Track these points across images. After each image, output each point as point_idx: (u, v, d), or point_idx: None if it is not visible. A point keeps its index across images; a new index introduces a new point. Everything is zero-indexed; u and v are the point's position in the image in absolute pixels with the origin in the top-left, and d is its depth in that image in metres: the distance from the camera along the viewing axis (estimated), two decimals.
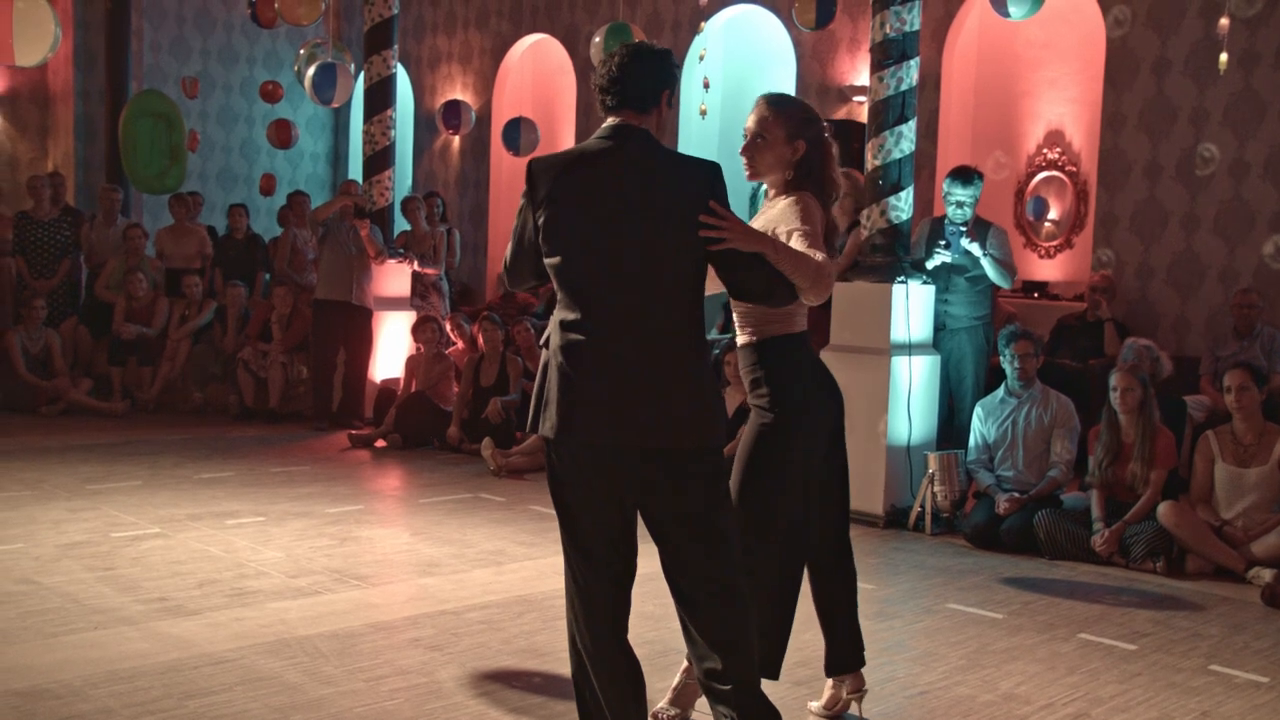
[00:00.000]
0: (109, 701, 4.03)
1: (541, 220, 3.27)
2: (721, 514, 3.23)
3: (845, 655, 4.16)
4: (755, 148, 3.90)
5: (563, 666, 4.41)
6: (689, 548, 3.21)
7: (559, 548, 5.86)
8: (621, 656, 3.32)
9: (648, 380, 3.17)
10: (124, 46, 13.85)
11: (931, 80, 10.43)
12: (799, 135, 3.87)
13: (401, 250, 10.80)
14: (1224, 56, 7.52)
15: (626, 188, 3.21)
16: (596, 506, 3.28)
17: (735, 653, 3.21)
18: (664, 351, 3.19)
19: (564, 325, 3.22)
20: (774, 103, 3.92)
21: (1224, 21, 7.56)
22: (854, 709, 4.17)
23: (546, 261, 3.27)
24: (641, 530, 3.28)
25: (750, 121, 3.91)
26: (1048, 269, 10.50)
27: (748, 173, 3.96)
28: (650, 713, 3.80)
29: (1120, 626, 5.33)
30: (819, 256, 3.45)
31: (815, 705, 4.22)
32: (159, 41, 15.37)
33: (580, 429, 3.19)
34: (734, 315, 3.95)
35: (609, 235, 3.19)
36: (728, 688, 3.20)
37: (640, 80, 3.29)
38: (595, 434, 3.19)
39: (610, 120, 3.32)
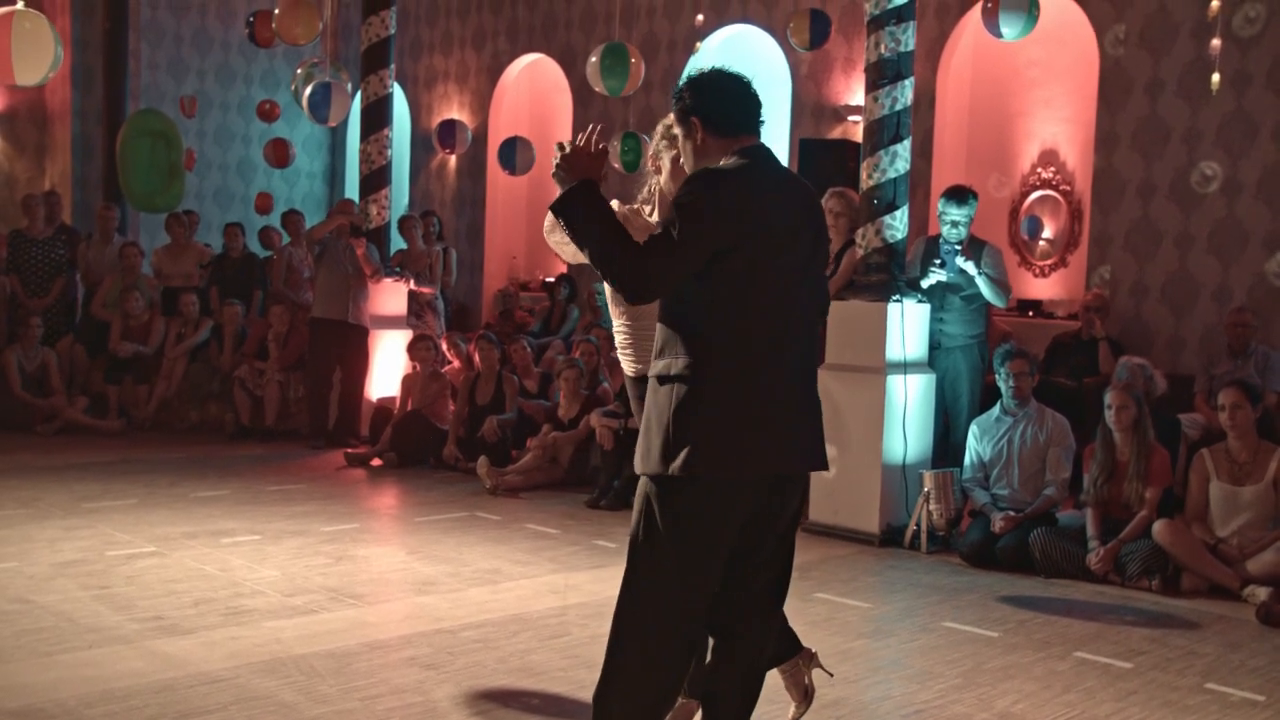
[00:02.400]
0: None
1: (727, 242, 3.18)
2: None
3: (781, 649, 4.00)
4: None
5: (557, 685, 4.41)
6: (775, 558, 3.41)
7: (555, 566, 5.83)
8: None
9: (806, 404, 3.35)
10: (122, 66, 13.89)
11: (926, 100, 10.47)
12: None
13: (398, 269, 10.82)
14: (1216, 77, 7.57)
15: (791, 214, 3.33)
16: (731, 537, 3.30)
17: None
18: (811, 374, 3.38)
19: (726, 353, 3.21)
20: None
21: (1216, 42, 7.60)
22: (816, 676, 4.06)
23: (716, 286, 3.19)
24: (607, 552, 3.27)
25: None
26: (1042, 288, 10.52)
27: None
28: None
29: (1116, 645, 5.33)
30: None
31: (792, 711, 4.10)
32: (157, 60, 15.41)
33: (757, 460, 3.23)
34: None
35: (785, 264, 3.27)
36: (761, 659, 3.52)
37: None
38: (774, 463, 3.27)
39: (749, 142, 3.39)
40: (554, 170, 3.36)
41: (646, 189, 4.14)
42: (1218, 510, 6.45)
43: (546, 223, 3.80)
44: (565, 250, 3.83)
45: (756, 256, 3.22)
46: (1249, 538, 6.31)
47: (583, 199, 3.27)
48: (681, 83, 3.50)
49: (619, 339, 4.14)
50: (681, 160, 3.58)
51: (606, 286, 3.74)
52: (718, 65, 3.52)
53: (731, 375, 3.21)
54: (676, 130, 3.54)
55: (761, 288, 3.23)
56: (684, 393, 3.21)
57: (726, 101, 3.42)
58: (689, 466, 3.17)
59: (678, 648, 3.30)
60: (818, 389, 3.43)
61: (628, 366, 4.13)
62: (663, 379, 3.27)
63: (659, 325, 3.35)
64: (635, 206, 4.09)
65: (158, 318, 11.16)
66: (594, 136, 3.47)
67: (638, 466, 3.32)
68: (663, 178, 4.04)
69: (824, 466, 3.41)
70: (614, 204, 4.00)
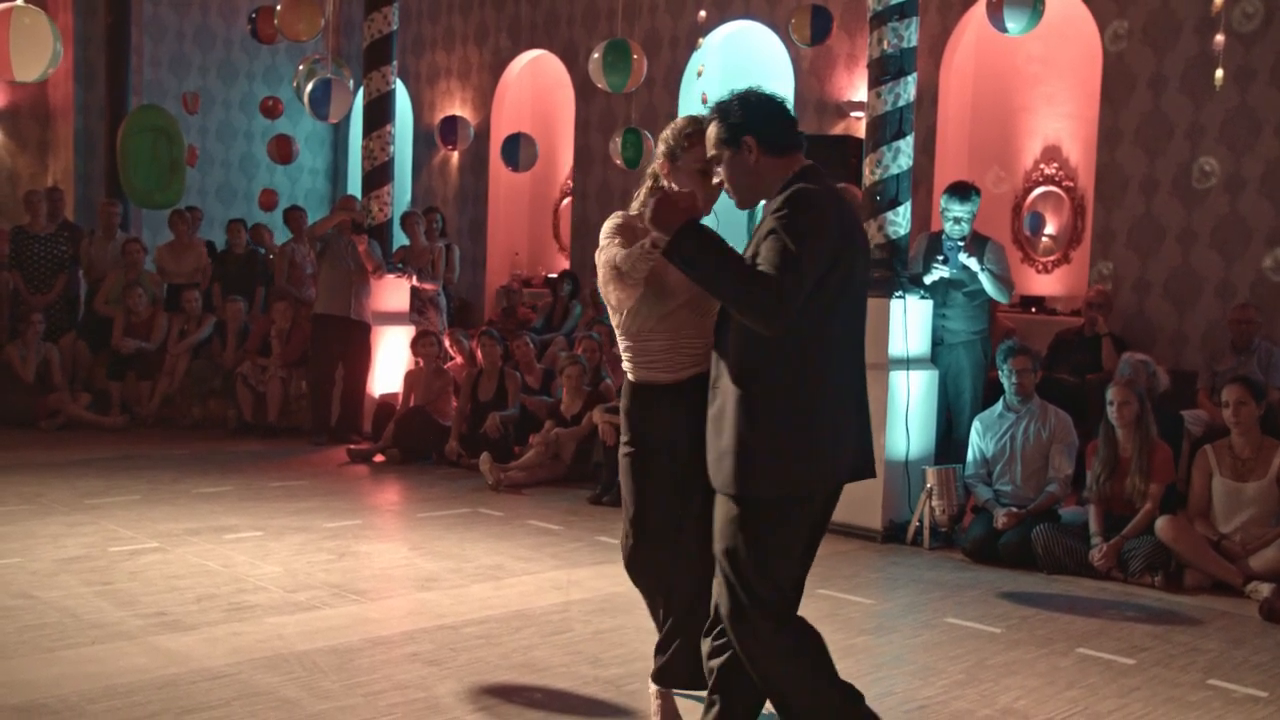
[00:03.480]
0: (106, 717, 4.02)
1: (833, 260, 3.29)
2: None
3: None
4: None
5: (559, 681, 4.41)
6: (809, 556, 3.54)
7: (557, 562, 5.86)
8: None
9: (867, 413, 3.57)
10: (124, 62, 13.88)
11: (929, 96, 10.46)
12: None
13: (400, 265, 10.82)
14: (1219, 72, 7.55)
15: (860, 229, 3.52)
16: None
17: None
18: (865, 382, 3.57)
19: (818, 369, 3.32)
20: None
21: (1219, 38, 7.58)
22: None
23: (810, 304, 3.26)
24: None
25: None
26: (1045, 284, 10.52)
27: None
28: None
29: (1119, 641, 5.33)
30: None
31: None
32: (159, 57, 15.42)
33: (841, 471, 3.42)
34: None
35: (863, 278, 3.48)
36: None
37: None
38: (852, 472, 3.46)
39: (804, 161, 3.47)
40: (648, 217, 3.34)
41: (645, 190, 4.06)
42: (1221, 506, 6.45)
43: (603, 275, 3.74)
44: (625, 296, 3.76)
45: (849, 273, 3.34)
46: (1252, 534, 6.31)
47: (696, 242, 3.28)
48: (728, 101, 3.47)
49: (636, 350, 4.02)
50: (719, 179, 3.55)
51: (615, 298, 3.79)
52: (752, 86, 3.53)
53: (820, 392, 3.34)
54: (715, 150, 3.48)
55: (847, 303, 3.39)
56: (789, 410, 3.31)
57: (780, 120, 3.46)
58: (786, 485, 3.32)
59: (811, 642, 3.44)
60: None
61: (653, 375, 4.00)
62: (746, 397, 3.32)
63: (728, 343, 3.38)
64: (629, 219, 3.99)
65: (160, 314, 11.17)
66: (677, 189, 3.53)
67: (726, 487, 3.37)
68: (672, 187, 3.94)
69: (874, 473, 3.61)
70: (618, 215, 3.99)
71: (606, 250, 3.82)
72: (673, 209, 3.32)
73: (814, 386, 3.33)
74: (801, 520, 3.40)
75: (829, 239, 3.26)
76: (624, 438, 4.07)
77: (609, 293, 3.76)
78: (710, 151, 3.54)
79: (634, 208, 4.05)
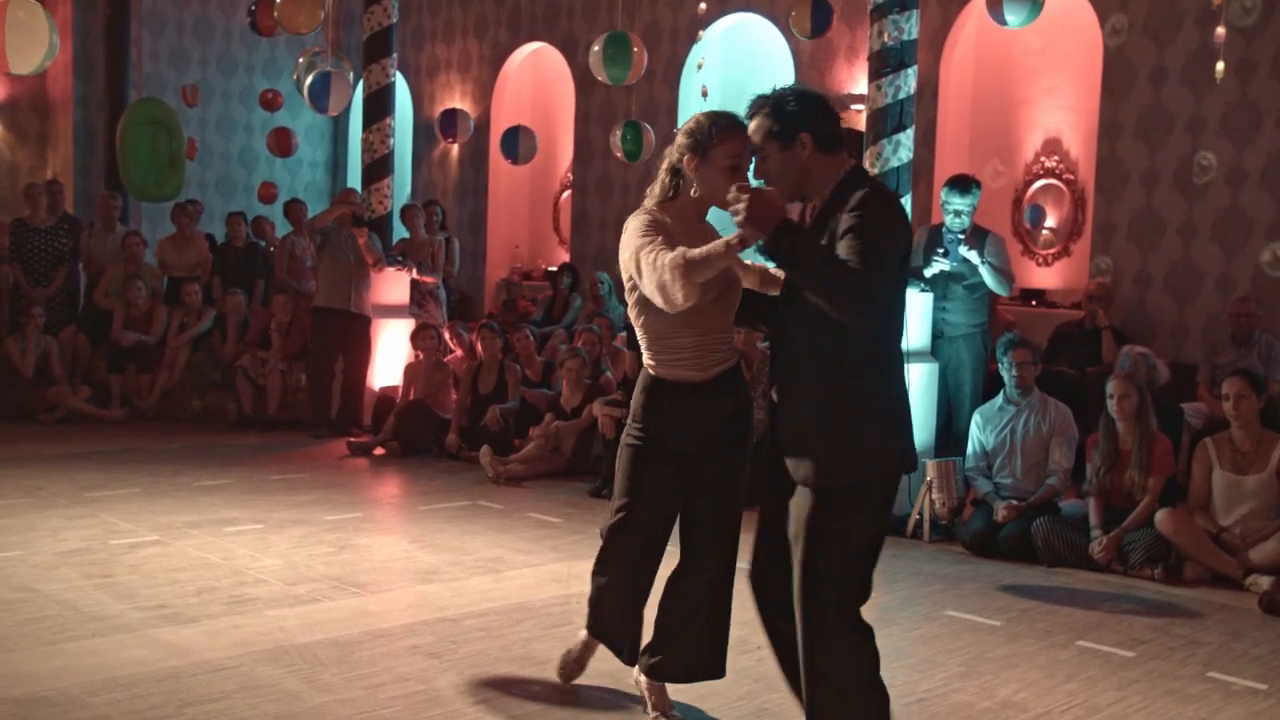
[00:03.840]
0: (107, 709, 4.03)
1: (904, 257, 3.41)
2: None
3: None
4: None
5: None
6: None
7: (557, 555, 5.89)
8: None
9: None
10: (123, 54, 13.85)
11: (929, 88, 10.45)
12: None
13: (400, 258, 10.81)
14: (1220, 65, 7.54)
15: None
16: None
17: None
18: None
19: (887, 359, 3.42)
20: None
21: (1220, 31, 7.57)
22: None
23: (889, 295, 3.36)
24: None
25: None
26: (1045, 277, 10.51)
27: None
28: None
29: (1118, 634, 5.33)
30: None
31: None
32: (158, 49, 15.39)
33: (911, 458, 3.51)
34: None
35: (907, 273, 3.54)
36: None
37: None
38: (913, 461, 3.53)
39: (852, 160, 3.51)
40: (742, 216, 3.28)
41: (660, 185, 3.95)
42: (1220, 499, 6.45)
43: (655, 275, 3.61)
44: (693, 294, 3.63)
45: (905, 268, 3.43)
46: (1252, 527, 6.31)
47: (795, 239, 3.25)
48: (782, 95, 3.48)
49: (663, 347, 3.96)
50: (763, 174, 3.54)
51: (641, 296, 3.77)
52: (798, 84, 3.65)
53: (889, 380, 3.43)
54: (763, 143, 3.47)
55: (901, 296, 3.49)
56: (866, 401, 3.38)
57: (833, 119, 3.50)
58: (872, 472, 3.39)
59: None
60: None
61: (679, 372, 3.95)
62: (824, 389, 3.37)
63: (797, 340, 3.42)
64: (658, 216, 3.90)
65: (160, 307, 11.17)
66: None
67: (812, 480, 3.37)
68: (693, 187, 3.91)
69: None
70: (644, 213, 3.91)
71: (651, 250, 3.68)
72: (770, 207, 3.26)
73: (888, 376, 3.43)
74: (879, 509, 3.44)
75: (904, 237, 3.39)
76: (633, 429, 4.02)
77: (674, 291, 3.57)
78: (754, 144, 3.53)
79: (649, 204, 3.96)
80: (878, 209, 3.29)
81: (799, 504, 3.42)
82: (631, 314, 3.98)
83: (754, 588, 3.68)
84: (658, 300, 3.68)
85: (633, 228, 3.85)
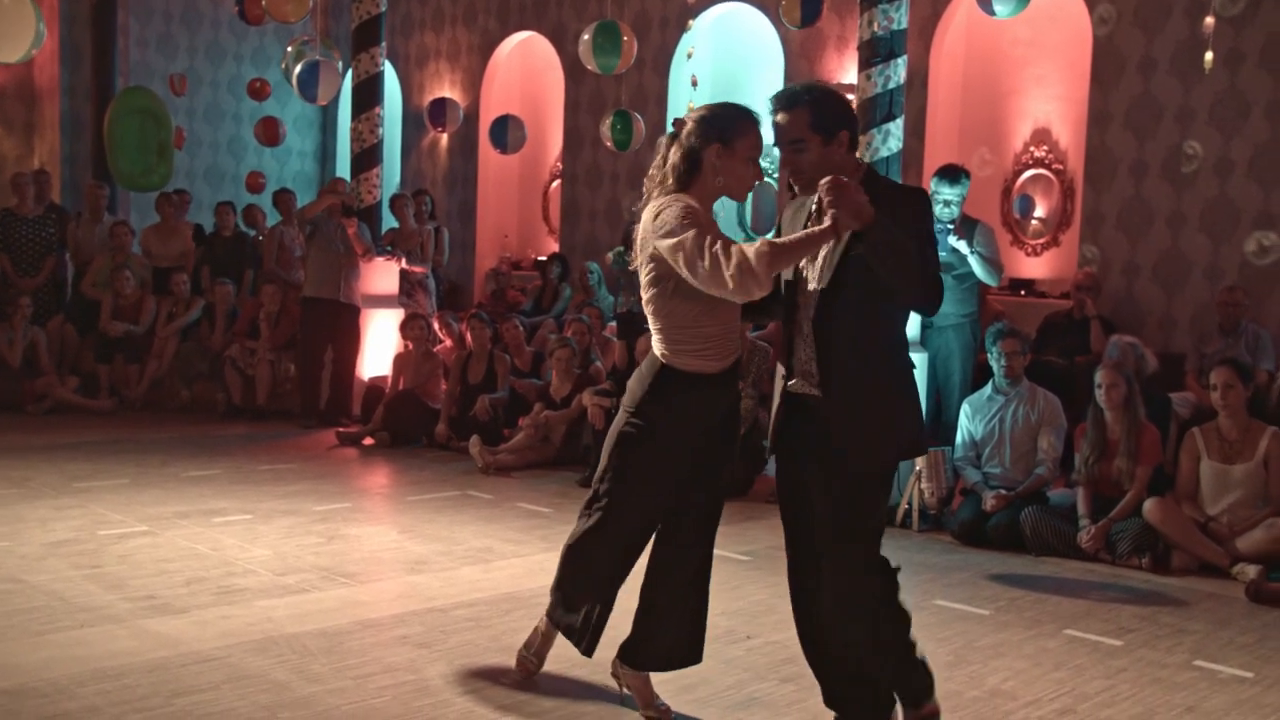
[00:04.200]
0: (95, 700, 4.02)
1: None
2: None
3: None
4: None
5: (548, 663, 4.41)
6: None
7: (547, 545, 5.89)
8: None
9: None
10: (110, 43, 13.79)
11: (919, 78, 10.44)
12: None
13: (389, 248, 10.79)
14: (1209, 55, 7.55)
15: None
16: None
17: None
18: None
19: (906, 345, 3.84)
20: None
21: (1209, 20, 7.58)
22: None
23: None
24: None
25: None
26: (1034, 266, 10.52)
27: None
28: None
29: (1106, 622, 5.35)
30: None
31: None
32: (146, 38, 15.33)
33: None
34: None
35: None
36: None
37: None
38: None
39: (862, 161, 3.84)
40: (828, 205, 3.41)
41: (673, 175, 3.88)
42: (1208, 488, 6.47)
43: (720, 265, 3.58)
44: (769, 283, 3.63)
45: None
46: (1239, 516, 6.34)
47: (884, 229, 3.42)
48: (823, 92, 3.71)
49: (687, 337, 3.89)
50: (796, 165, 3.66)
51: (671, 284, 3.77)
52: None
53: (911, 365, 3.80)
54: (801, 136, 3.61)
55: None
56: (902, 383, 3.72)
57: (857, 123, 3.80)
58: (908, 450, 3.83)
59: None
60: None
61: (697, 363, 3.90)
62: (874, 374, 3.64)
63: (836, 330, 3.62)
64: (692, 202, 3.84)
65: (148, 297, 11.13)
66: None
67: (861, 463, 3.62)
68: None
69: None
70: (677, 199, 3.80)
71: (710, 237, 3.64)
72: (862, 200, 3.40)
73: (910, 363, 3.79)
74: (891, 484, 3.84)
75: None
76: (633, 419, 3.94)
77: (752, 282, 3.54)
78: (792, 135, 3.63)
79: (669, 190, 3.87)
80: (925, 204, 3.70)
81: (834, 487, 3.63)
82: (653, 301, 3.89)
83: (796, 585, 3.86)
84: (717, 289, 3.63)
85: (672, 214, 3.75)
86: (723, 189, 3.90)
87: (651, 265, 3.84)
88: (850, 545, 3.62)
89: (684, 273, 3.68)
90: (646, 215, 3.87)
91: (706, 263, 3.60)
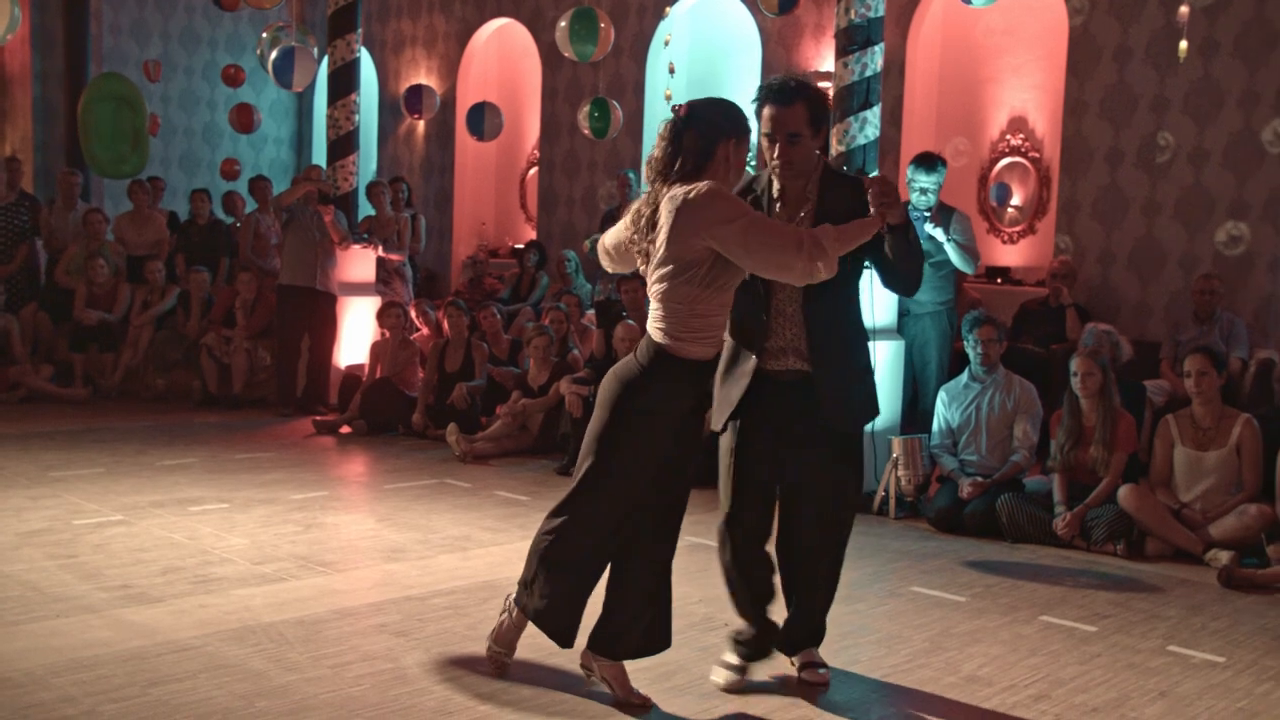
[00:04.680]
0: (71, 690, 4.00)
1: None
2: None
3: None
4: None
5: (525, 651, 4.42)
6: None
7: (524, 533, 5.90)
8: None
9: None
10: (83, 28, 13.68)
11: (896, 66, 10.46)
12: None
13: (365, 235, 10.75)
14: (1184, 44, 7.59)
15: None
16: None
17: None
18: None
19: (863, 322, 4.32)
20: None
21: (1184, 10, 7.61)
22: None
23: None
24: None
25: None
26: (1011, 254, 10.57)
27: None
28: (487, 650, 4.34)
29: (1081, 609, 5.39)
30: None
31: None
32: (119, 23, 15.19)
33: None
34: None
35: None
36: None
37: None
38: None
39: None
40: (882, 203, 3.87)
41: (673, 163, 3.90)
42: (1182, 475, 6.52)
43: (829, 248, 3.80)
44: (830, 269, 3.84)
45: None
46: (1212, 502, 6.39)
47: (913, 231, 4.00)
48: (812, 88, 4.04)
49: (701, 324, 3.90)
50: (790, 156, 4.05)
51: (704, 270, 3.84)
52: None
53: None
54: (800, 130, 4.01)
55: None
56: (868, 356, 4.23)
57: None
58: (876, 410, 4.32)
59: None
60: None
61: (698, 350, 3.92)
62: (855, 353, 4.19)
63: (824, 310, 4.07)
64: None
65: (123, 285, 11.06)
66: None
67: (848, 427, 4.18)
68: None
69: None
70: (721, 189, 3.83)
71: (769, 221, 3.94)
72: (898, 194, 3.92)
73: (867, 337, 4.29)
74: None
75: None
76: (628, 403, 3.90)
77: (821, 266, 3.77)
78: (791, 128, 4.00)
79: (677, 184, 3.86)
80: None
81: (825, 453, 4.16)
82: (676, 287, 3.84)
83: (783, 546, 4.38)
84: (783, 272, 3.84)
85: (725, 201, 3.80)
86: (724, 180, 3.95)
87: (678, 251, 3.82)
88: (846, 485, 4.27)
89: (742, 256, 3.79)
90: (672, 202, 3.83)
91: (779, 245, 3.78)
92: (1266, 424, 6.49)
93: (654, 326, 3.93)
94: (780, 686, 4.29)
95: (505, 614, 4.28)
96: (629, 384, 3.93)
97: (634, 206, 4.02)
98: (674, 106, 3.98)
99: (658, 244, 3.87)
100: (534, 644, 4.52)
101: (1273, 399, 7.09)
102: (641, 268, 4.00)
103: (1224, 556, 6.01)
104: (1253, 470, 6.35)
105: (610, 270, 4.41)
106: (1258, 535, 6.11)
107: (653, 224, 3.89)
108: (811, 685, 4.28)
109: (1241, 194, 8.84)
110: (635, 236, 3.97)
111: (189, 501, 6.79)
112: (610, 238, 4.25)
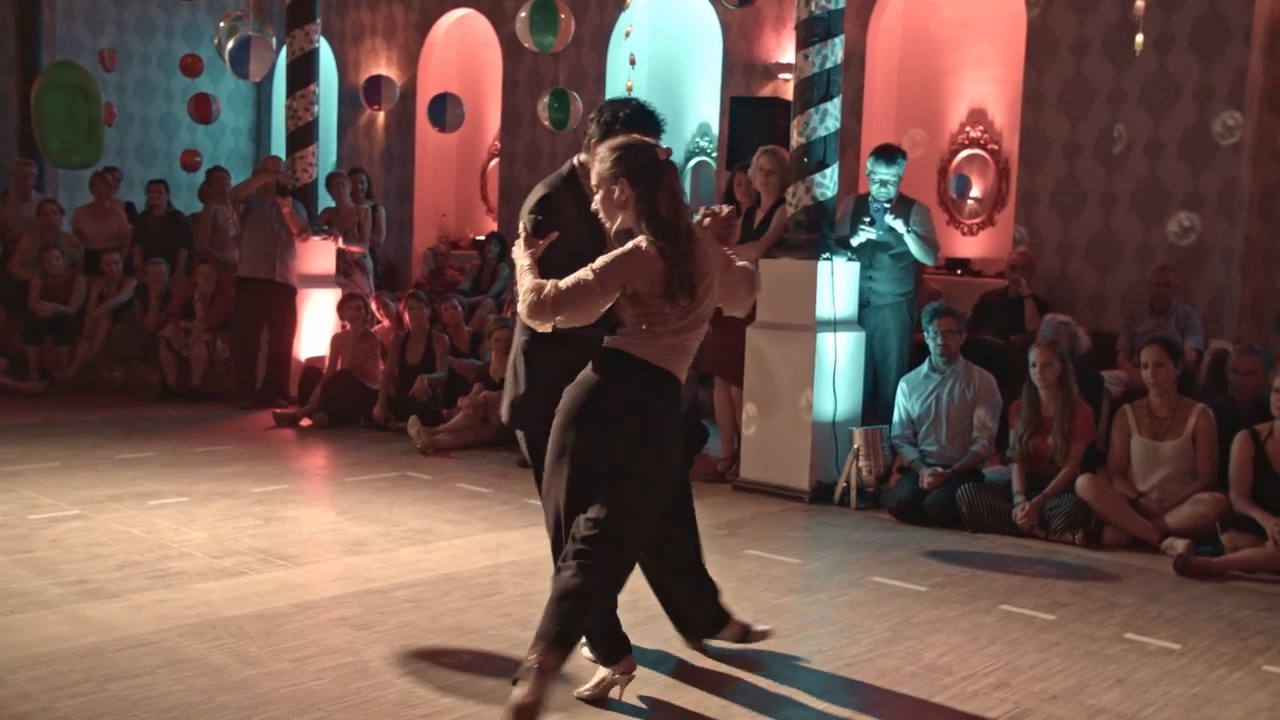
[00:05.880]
0: (27, 686, 3.96)
1: None
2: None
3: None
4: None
5: (489, 644, 4.41)
6: None
7: (486, 525, 5.93)
8: None
9: None
10: (35, 16, 13.50)
11: (856, 58, 10.50)
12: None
13: (325, 227, 10.67)
14: (1139, 38, 7.65)
15: None
16: None
17: None
18: None
19: None
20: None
21: (1139, 3, 7.67)
22: (616, 693, 4.03)
23: None
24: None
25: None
26: (970, 246, 10.64)
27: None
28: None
29: (1040, 597, 5.44)
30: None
31: (584, 690, 4.05)
32: (72, 11, 14.99)
33: None
34: None
35: None
36: None
37: None
38: None
39: None
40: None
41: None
42: (1138, 465, 6.59)
43: None
44: None
45: None
46: (1168, 491, 6.46)
47: None
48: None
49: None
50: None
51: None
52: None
53: None
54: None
55: None
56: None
57: None
58: None
59: None
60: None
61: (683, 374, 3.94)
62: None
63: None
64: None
65: (79, 277, 10.94)
66: None
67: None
68: None
69: None
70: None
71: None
72: None
73: None
74: None
75: None
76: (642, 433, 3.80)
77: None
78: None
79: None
80: None
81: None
82: (692, 313, 3.86)
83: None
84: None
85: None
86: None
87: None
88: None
89: None
90: None
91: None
92: (1221, 414, 6.56)
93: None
94: (738, 671, 4.30)
95: (527, 667, 3.62)
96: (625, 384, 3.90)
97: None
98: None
99: None
100: (502, 635, 4.53)
101: (1227, 389, 7.17)
102: None
103: (1179, 545, 6.08)
104: (1207, 460, 6.42)
105: None
106: (1212, 524, 6.19)
107: None
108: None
109: (1197, 186, 8.93)
110: None
111: (147, 495, 6.73)
112: None
